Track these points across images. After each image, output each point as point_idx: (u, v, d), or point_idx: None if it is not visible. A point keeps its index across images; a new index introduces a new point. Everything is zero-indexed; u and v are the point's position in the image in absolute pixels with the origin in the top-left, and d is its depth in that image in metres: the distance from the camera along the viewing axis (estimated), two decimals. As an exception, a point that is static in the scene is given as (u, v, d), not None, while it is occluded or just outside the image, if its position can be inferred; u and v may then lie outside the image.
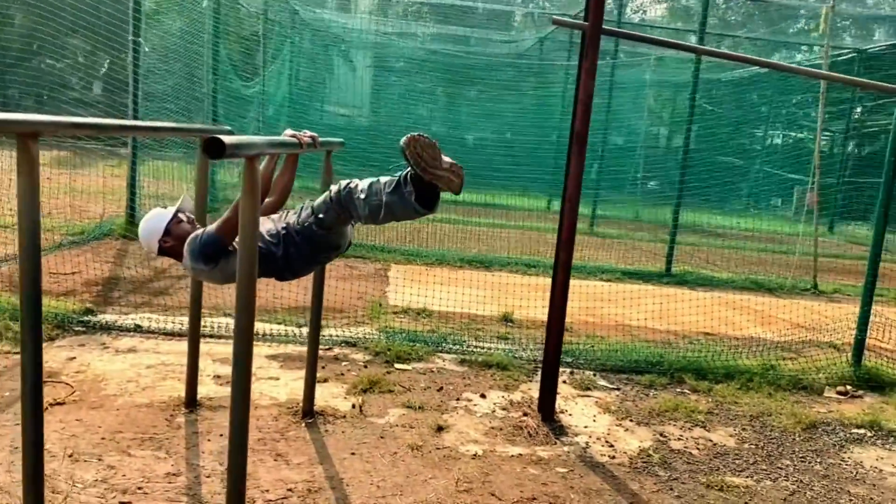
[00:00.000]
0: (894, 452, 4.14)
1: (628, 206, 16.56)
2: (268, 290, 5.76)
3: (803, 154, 21.80)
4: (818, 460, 3.92)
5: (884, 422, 4.51)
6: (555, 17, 3.69)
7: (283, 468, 3.24)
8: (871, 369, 5.34)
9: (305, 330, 5.20)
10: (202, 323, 5.03)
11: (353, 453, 3.45)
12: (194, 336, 3.78)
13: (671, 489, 3.43)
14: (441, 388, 4.40)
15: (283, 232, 2.92)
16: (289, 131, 2.98)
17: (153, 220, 2.97)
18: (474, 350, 5.13)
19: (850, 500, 3.50)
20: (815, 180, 9.39)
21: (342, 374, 4.49)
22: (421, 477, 3.29)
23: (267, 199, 3.23)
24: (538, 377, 4.78)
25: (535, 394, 4.46)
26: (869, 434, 4.36)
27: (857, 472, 3.82)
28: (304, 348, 4.84)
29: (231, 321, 5.15)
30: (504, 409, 4.20)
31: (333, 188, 2.88)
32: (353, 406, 4.00)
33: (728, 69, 19.36)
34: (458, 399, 4.27)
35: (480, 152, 16.04)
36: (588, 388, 4.65)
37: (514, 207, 14.11)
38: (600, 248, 11.15)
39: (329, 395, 4.11)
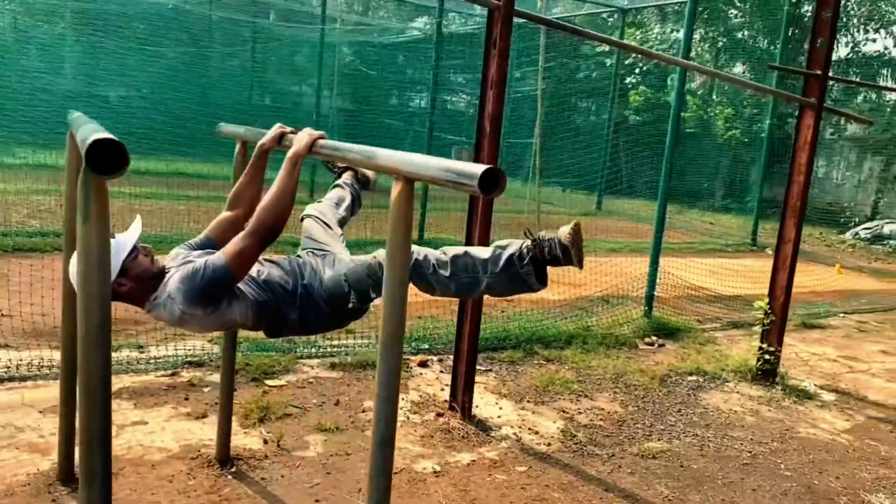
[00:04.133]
0: (728, 392, 4.80)
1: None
2: (22, 304, 4.55)
3: (455, 116, 23.64)
4: (690, 412, 4.38)
5: (701, 366, 5.19)
6: (467, -8, 3.42)
7: (259, 539, 2.64)
8: (660, 319, 6.10)
9: (129, 353, 4.27)
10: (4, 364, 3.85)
11: (317, 500, 2.94)
12: (69, 391, 2.84)
13: (619, 466, 3.55)
14: (337, 402, 3.95)
15: (302, 293, 2.31)
16: (277, 126, 2.36)
17: None
18: (333, 351, 4.69)
19: (740, 443, 3.99)
20: (536, 142, 10.26)
21: (216, 404, 3.76)
22: (410, 511, 2.93)
23: (228, 214, 2.52)
24: (416, 371, 4.57)
25: (430, 390, 4.25)
26: (700, 379, 4.98)
27: (722, 417, 4.35)
28: (142, 378, 4.00)
29: (53, 355, 4.01)
30: (415, 412, 3.93)
31: (378, 258, 2.35)
32: (266, 442, 3.40)
33: (378, 32, 20.06)
34: (363, 411, 3.88)
35: (130, 113, 14.00)
36: (466, 375, 4.55)
37: (191, 174, 12.44)
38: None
39: (227, 433, 3.42)
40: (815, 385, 5.11)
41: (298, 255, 2.48)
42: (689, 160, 18.87)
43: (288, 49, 18.02)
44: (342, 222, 2.82)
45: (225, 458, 3.17)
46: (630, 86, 19.86)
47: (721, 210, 18.07)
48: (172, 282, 2.13)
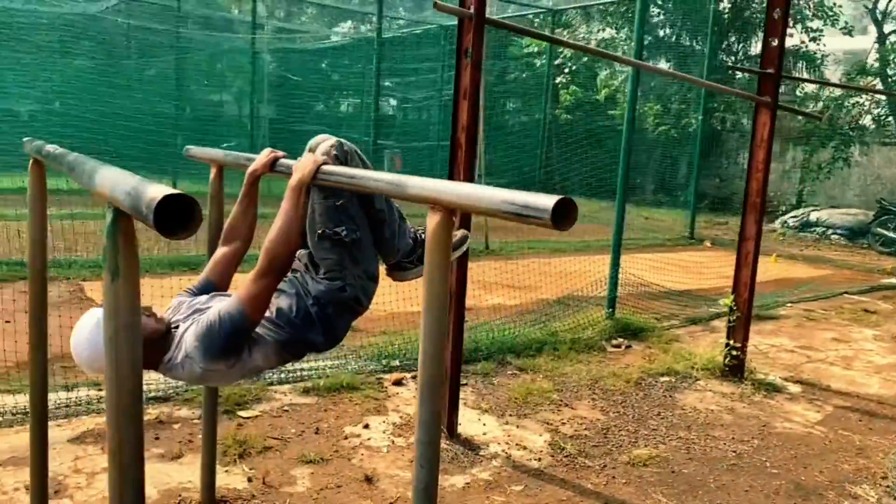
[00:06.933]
0: (701, 391, 4.83)
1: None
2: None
3: (384, 120, 23.27)
4: (669, 414, 4.38)
5: (671, 366, 5.22)
6: (437, 1, 3.33)
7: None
8: (623, 320, 6.12)
9: (88, 392, 4.00)
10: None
11: (316, 541, 2.79)
12: (41, 440, 2.61)
13: (613, 478, 3.50)
14: (317, 430, 3.78)
15: (317, 311, 2.13)
16: (267, 150, 2.21)
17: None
18: (304, 375, 4.50)
19: (724, 443, 4.01)
20: (480, 145, 10.18)
21: (190, 441, 3.56)
22: (415, 544, 2.80)
23: (225, 250, 2.34)
24: (392, 391, 4.44)
25: (410, 410, 4.13)
26: (673, 380, 5.00)
27: (701, 417, 4.37)
28: (105, 418, 3.73)
29: (5, 399, 3.70)
30: (399, 435, 3.80)
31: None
32: (250, 479, 3.22)
33: (301, 37, 19.58)
34: (345, 437, 3.73)
35: (42, 128, 13.13)
36: (444, 391, 4.45)
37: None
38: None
39: (207, 473, 3.22)
40: (780, 378, 5.21)
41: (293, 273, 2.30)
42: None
43: (208, 57, 17.44)
44: None
45: (210, 502, 2.98)
46: (561, 85, 20.05)
47: (653, 205, 18.40)
48: (188, 340, 1.96)
